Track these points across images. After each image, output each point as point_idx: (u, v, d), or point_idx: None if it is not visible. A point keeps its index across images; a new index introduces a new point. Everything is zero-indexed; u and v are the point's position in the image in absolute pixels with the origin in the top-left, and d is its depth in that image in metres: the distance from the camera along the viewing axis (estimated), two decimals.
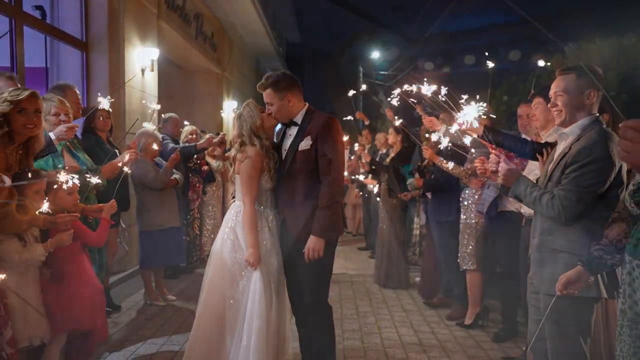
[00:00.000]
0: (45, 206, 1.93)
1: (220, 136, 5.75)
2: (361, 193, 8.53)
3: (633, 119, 1.54)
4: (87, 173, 3.17)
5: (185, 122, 6.38)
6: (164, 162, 4.85)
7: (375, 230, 6.79)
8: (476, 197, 4.21)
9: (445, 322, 4.50)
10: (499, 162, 2.51)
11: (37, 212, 2.47)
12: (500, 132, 2.98)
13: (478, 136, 2.88)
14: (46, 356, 2.84)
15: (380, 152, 7.02)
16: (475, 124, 2.70)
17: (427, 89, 2.73)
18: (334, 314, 3.07)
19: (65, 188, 2.71)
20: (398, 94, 2.99)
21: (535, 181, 2.53)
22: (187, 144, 5.58)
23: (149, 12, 7.06)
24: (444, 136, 3.11)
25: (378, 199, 6.03)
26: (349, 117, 8.82)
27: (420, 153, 4.98)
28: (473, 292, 4.34)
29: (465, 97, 2.62)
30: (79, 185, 2.86)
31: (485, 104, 2.63)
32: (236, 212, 2.95)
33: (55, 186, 2.79)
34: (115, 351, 3.71)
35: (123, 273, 5.78)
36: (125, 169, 3.55)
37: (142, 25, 6.75)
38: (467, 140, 2.88)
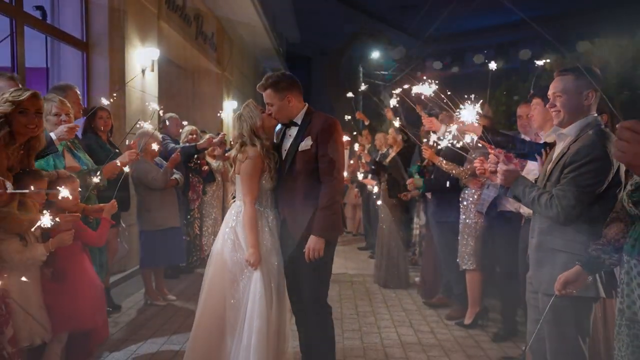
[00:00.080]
0: (47, 220, 1.93)
1: (220, 136, 5.76)
2: (361, 193, 8.53)
3: (630, 119, 1.56)
4: (88, 173, 3.18)
5: (185, 122, 6.39)
6: (164, 162, 4.85)
7: (375, 230, 6.80)
8: (476, 197, 4.22)
9: (445, 322, 4.50)
10: (498, 163, 2.52)
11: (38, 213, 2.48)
12: (500, 132, 2.99)
13: (477, 136, 2.88)
14: (47, 355, 2.85)
15: (380, 152, 7.03)
16: (474, 120, 2.69)
17: (428, 89, 2.73)
18: (333, 313, 3.07)
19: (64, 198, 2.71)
20: (398, 94, 2.99)
21: (534, 181, 2.53)
22: (187, 144, 5.59)
23: (149, 12, 7.06)
24: (444, 137, 3.11)
25: (378, 202, 6.01)
26: (349, 117, 8.84)
27: (420, 153, 4.99)
28: (473, 291, 4.35)
29: (467, 97, 2.62)
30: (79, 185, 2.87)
31: (480, 103, 2.61)
32: (237, 212, 2.96)
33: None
34: (115, 351, 3.71)
35: (123, 273, 5.78)
36: (126, 169, 3.56)
37: (143, 26, 6.75)
38: (467, 140, 2.89)
